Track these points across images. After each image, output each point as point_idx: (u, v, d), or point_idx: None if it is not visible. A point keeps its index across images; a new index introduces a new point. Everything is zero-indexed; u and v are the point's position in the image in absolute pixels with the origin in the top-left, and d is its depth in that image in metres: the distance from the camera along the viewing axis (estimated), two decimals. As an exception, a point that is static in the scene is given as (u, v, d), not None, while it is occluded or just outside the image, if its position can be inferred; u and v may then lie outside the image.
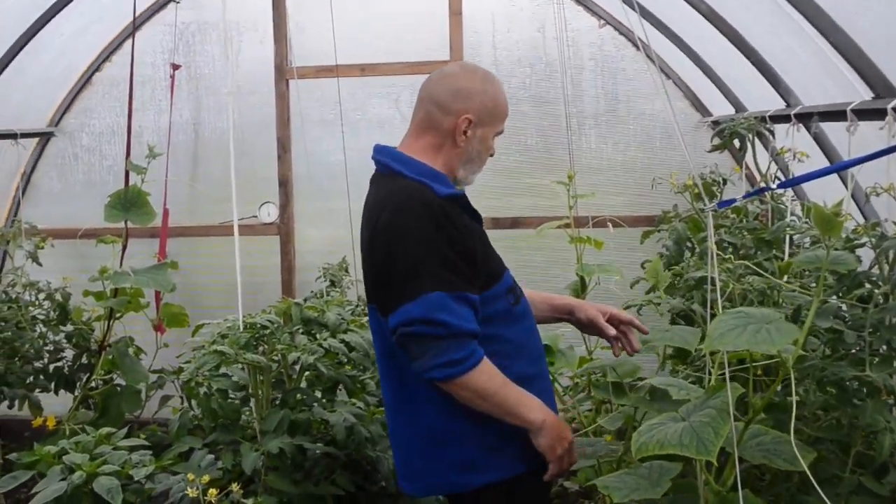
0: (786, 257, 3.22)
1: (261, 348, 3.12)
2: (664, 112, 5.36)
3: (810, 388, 2.26)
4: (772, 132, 3.44)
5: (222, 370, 3.01)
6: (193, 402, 3.25)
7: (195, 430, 3.15)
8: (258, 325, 3.15)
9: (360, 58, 5.36)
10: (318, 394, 3.30)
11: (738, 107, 4.41)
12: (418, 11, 5.45)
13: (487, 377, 2.20)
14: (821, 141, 3.30)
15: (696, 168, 5.00)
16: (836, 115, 2.65)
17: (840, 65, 2.60)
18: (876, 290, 2.20)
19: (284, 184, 5.49)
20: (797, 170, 3.54)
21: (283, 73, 5.40)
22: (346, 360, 3.30)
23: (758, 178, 4.79)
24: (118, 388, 4.82)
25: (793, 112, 3.13)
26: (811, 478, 1.84)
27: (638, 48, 5.31)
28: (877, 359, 2.17)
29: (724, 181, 4.78)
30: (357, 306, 4.67)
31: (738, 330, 1.83)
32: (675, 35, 4.46)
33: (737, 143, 3.52)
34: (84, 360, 4.89)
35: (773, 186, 1.91)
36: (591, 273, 3.94)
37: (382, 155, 2.44)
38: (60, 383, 4.89)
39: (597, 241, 4.48)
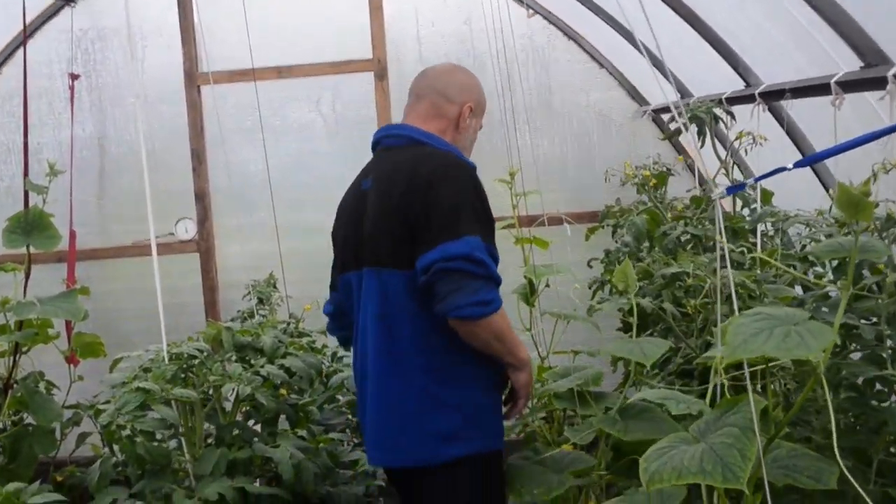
0: (759, 248, 3.00)
1: (190, 381, 2.77)
2: (600, 103, 5.14)
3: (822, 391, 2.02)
4: (732, 115, 3.22)
5: (147, 409, 2.64)
6: (116, 448, 2.87)
7: (119, 478, 2.77)
8: (185, 355, 2.79)
9: (278, 60, 5.02)
10: (258, 427, 2.96)
11: (684, 93, 4.20)
12: (337, 10, 5.13)
13: (503, 320, 2.35)
14: (786, 121, 3.09)
15: (637, 159, 4.80)
16: (813, 90, 2.43)
17: (819, 35, 2.39)
18: (887, 279, 1.97)
19: (202, 198, 5.12)
20: (757, 155, 3.34)
21: (193, 78, 5.02)
22: (283, 386, 2.96)
23: (706, 167, 4.60)
24: (29, 429, 4.38)
25: (757, 91, 2.91)
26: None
27: (569, 37, 5.08)
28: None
29: (669, 171, 4.59)
30: (292, 324, 4.35)
31: (764, 335, 1.57)
32: (610, 17, 4.22)
33: (694, 128, 3.29)
34: (-9, 399, 4.44)
35: (790, 167, 1.61)
36: (540, 275, 3.65)
37: (400, 130, 2.61)
38: (-36, 427, 4.44)
39: (541, 240, 4.23)
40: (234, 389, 2.67)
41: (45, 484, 4.01)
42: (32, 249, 4.18)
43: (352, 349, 2.65)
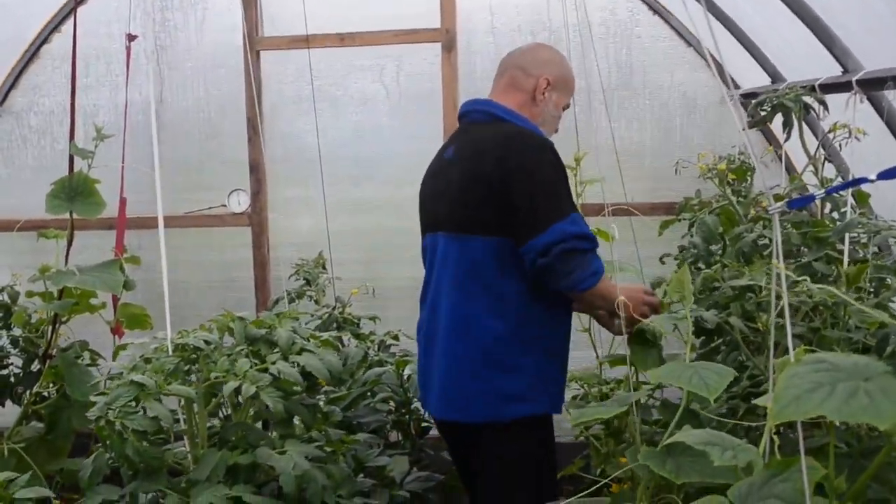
0: (845, 260, 2.60)
1: (194, 375, 2.52)
2: (685, 84, 4.71)
3: None
4: (824, 104, 2.80)
5: (143, 405, 2.40)
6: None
7: (113, 476, 2.54)
8: (191, 347, 2.55)
9: (340, 26, 4.74)
10: (270, 427, 2.70)
11: (776, 77, 3.78)
12: (406, -24, 4.82)
13: (606, 281, 2.52)
14: (887, 113, 2.67)
15: (723, 148, 4.38)
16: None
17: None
18: None
19: (256, 169, 4.88)
20: (852, 151, 2.92)
21: (252, 43, 4.77)
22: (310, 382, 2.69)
23: (798, 160, 4.16)
24: (69, 400, 4.24)
25: (854, 78, 2.50)
26: None
27: (654, 11, 4.66)
28: None
29: (749, 165, 4.16)
30: (331, 313, 4.09)
31: (823, 391, 1.22)
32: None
33: (780, 117, 2.89)
34: (35, 367, 4.31)
35: (872, 178, 1.25)
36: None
37: (484, 105, 2.71)
38: (5, 394, 4.33)
39: (604, 232, 3.86)
40: (239, 387, 2.39)
41: (79, 458, 3.87)
42: (75, 216, 4.04)
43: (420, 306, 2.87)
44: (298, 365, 2.58)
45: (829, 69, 2.96)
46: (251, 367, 2.50)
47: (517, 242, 2.52)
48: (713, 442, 1.70)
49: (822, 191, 1.28)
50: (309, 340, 2.77)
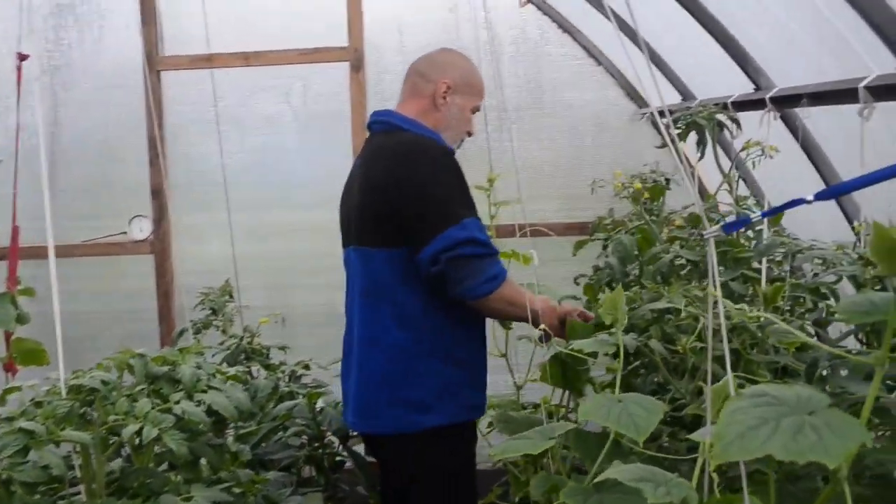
0: (763, 279, 2.57)
1: (91, 418, 2.35)
2: (595, 103, 4.70)
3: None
4: (737, 122, 2.78)
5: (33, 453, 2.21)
6: None
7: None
8: (87, 388, 2.37)
9: (244, 45, 4.59)
10: (174, 472, 2.53)
11: (687, 95, 3.77)
12: (313, -8, 4.70)
13: (511, 287, 2.49)
14: (801, 132, 2.66)
15: (635, 166, 4.36)
16: (836, 96, 2.00)
17: (854, 38, 1.97)
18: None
19: (158, 194, 4.68)
20: (766, 168, 2.90)
21: (152, 63, 4.59)
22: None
23: (710, 179, 4.16)
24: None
25: (767, 96, 2.48)
26: None
27: (564, 30, 4.64)
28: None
29: (668, 181, 4.16)
30: (238, 343, 3.93)
31: (768, 428, 1.14)
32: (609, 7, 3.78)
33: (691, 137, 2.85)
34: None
35: (810, 199, 1.18)
36: None
37: (384, 116, 2.69)
38: None
39: (524, 255, 3.81)
40: (140, 430, 2.23)
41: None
42: (-39, 247, 3.80)
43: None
44: (204, 403, 2.42)
45: (742, 87, 2.95)
46: (153, 408, 2.34)
47: (412, 253, 2.49)
48: (645, 478, 1.61)
49: (758, 213, 1.21)
50: (215, 376, 2.61)
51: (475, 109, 2.77)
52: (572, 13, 4.54)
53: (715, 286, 1.30)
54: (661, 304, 2.32)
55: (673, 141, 2.98)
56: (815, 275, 2.79)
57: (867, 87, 1.78)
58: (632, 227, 3.22)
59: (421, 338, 2.56)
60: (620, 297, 2.33)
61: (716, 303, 1.97)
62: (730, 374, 1.26)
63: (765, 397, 1.21)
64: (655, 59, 3.78)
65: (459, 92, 2.69)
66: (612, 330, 2.36)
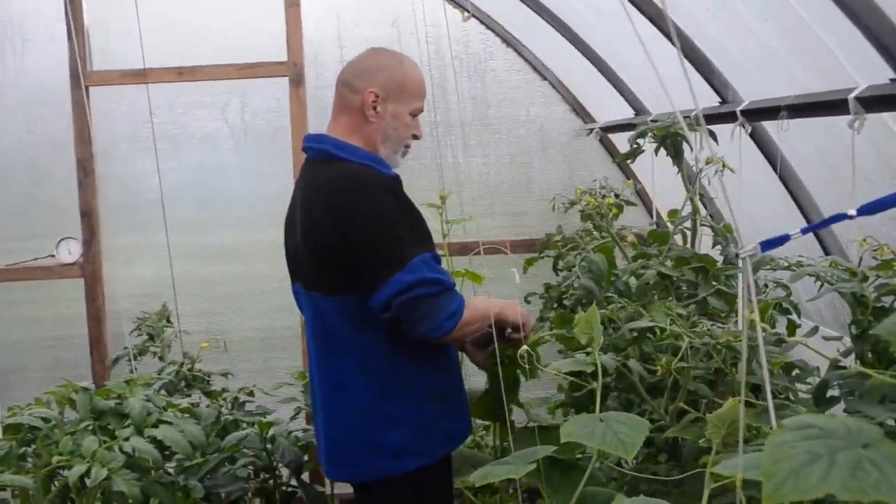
0: (740, 297, 2.51)
1: (31, 460, 2.17)
2: (540, 118, 4.64)
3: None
4: (712, 135, 2.72)
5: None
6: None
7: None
8: (26, 426, 2.19)
9: (179, 60, 4.41)
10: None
11: (640, 110, 3.72)
12: (249, 6, 4.53)
13: (469, 312, 2.34)
14: (764, 145, 2.62)
15: (581, 182, 4.32)
16: (821, 108, 1.95)
17: (841, 51, 1.92)
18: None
19: (88, 214, 4.47)
20: (722, 182, 2.86)
21: (80, 78, 4.38)
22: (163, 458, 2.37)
23: (658, 195, 4.14)
24: None
25: (739, 108, 2.43)
26: None
27: (508, 44, 4.57)
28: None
29: (618, 196, 4.12)
30: (186, 365, 3.76)
31: (821, 465, 1.04)
32: (555, 18, 3.72)
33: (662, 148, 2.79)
34: None
35: (852, 213, 1.11)
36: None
37: (317, 142, 2.46)
38: None
39: (475, 274, 3.72)
40: (88, 471, 2.06)
41: None
42: None
43: None
44: (155, 439, 2.26)
45: (696, 102, 2.88)
46: (100, 446, 2.17)
47: (362, 298, 2.32)
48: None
49: (797, 231, 1.13)
50: (166, 409, 2.45)
51: (416, 112, 2.45)
52: (516, 27, 4.48)
53: (752, 308, 1.21)
54: (645, 323, 2.24)
55: (640, 149, 2.94)
56: (766, 287, 2.76)
57: (858, 98, 1.73)
58: (595, 246, 3.14)
59: (385, 380, 2.40)
60: (595, 316, 2.25)
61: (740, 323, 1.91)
62: (770, 403, 1.17)
63: (811, 429, 1.12)
64: (606, 73, 3.74)
65: (392, 99, 2.39)
66: (588, 349, 2.30)
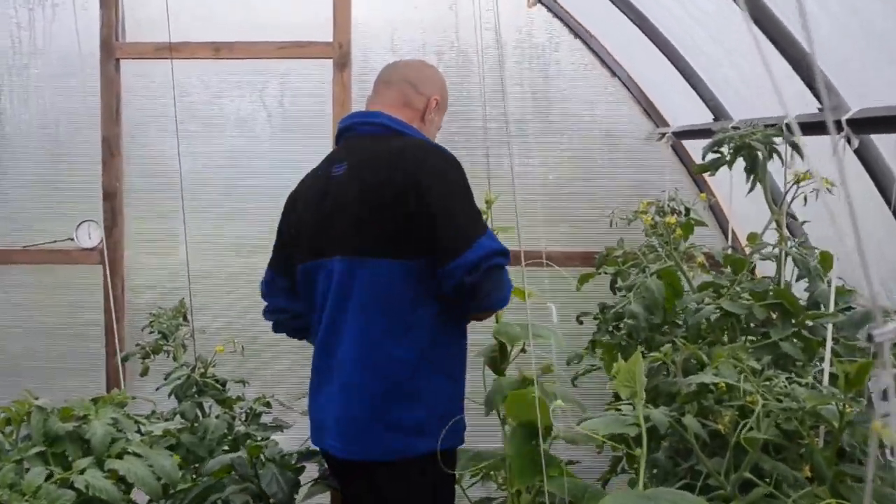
0: (828, 349, 2.07)
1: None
2: (608, 119, 4.20)
3: None
4: (797, 147, 2.27)
5: None
6: None
7: None
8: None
9: (215, 34, 4.07)
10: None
11: (720, 115, 3.27)
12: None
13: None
14: (869, 162, 2.17)
15: (649, 192, 3.88)
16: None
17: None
18: None
19: (111, 197, 4.16)
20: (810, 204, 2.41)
21: (111, 50, 4.07)
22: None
23: (734, 211, 3.67)
24: None
25: (845, 117, 1.97)
26: None
27: (576, 35, 4.14)
28: None
29: (688, 211, 3.67)
30: (199, 370, 3.42)
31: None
32: (633, 9, 3.29)
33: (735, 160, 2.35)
34: None
35: None
36: (514, 339, 2.65)
37: (373, 117, 2.52)
38: None
39: (519, 290, 3.25)
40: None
41: None
42: None
43: (314, 340, 2.59)
44: (115, 474, 1.90)
45: (787, 109, 2.45)
46: (48, 480, 1.81)
47: (439, 262, 2.30)
48: None
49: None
50: (140, 433, 2.09)
51: (440, 128, 2.71)
52: (587, 16, 4.04)
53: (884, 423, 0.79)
54: (708, 379, 1.81)
55: (715, 165, 2.50)
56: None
57: None
58: (656, 267, 2.70)
59: (420, 356, 2.40)
60: (638, 365, 1.83)
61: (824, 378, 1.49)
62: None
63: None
64: (685, 70, 3.29)
65: (440, 110, 2.64)
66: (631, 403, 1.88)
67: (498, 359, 2.72)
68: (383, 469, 2.43)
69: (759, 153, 2.26)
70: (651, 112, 4.13)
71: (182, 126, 4.17)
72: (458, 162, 2.42)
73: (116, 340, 4.12)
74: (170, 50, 3.58)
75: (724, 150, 2.37)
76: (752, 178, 2.32)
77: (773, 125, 2.38)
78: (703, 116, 3.52)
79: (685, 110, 3.87)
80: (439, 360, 2.43)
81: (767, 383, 1.87)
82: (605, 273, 3.50)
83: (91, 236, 4.20)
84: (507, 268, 2.37)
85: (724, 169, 2.52)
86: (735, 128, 2.44)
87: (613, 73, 4.13)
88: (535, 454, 2.07)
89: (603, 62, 4.13)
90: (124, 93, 4.16)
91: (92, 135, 4.15)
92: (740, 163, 2.44)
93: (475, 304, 2.35)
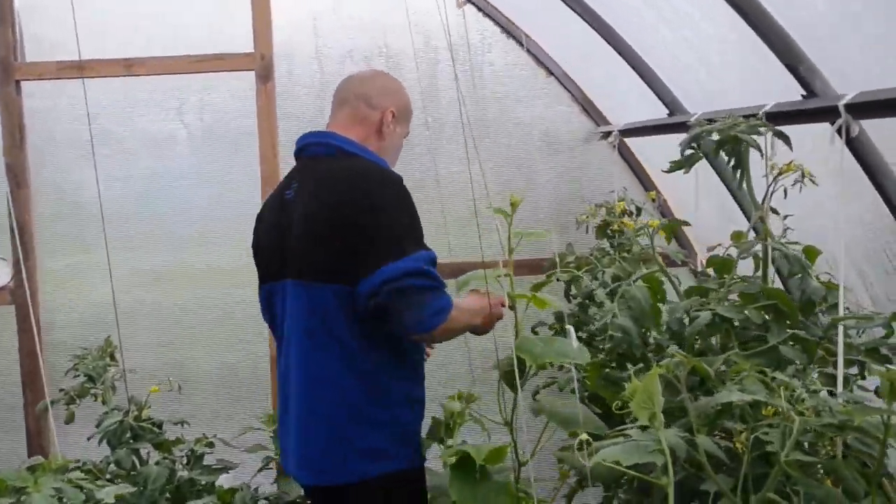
0: (840, 340, 1.94)
1: None
2: (546, 120, 4.05)
3: None
4: (784, 137, 2.13)
5: None
6: None
7: None
8: None
9: (127, 51, 3.78)
10: None
11: (676, 109, 3.14)
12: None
13: (457, 316, 2.33)
14: (860, 152, 2.04)
15: (593, 194, 3.76)
16: None
17: None
18: None
19: (21, 231, 3.81)
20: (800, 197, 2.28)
21: (10, 71, 3.74)
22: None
23: (680, 205, 3.55)
24: None
25: (842, 102, 1.84)
26: None
27: (509, 34, 3.98)
28: None
29: (640, 211, 3.54)
30: (122, 420, 3.14)
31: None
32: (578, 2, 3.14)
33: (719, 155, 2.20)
34: None
35: None
36: (536, 357, 2.39)
37: (326, 138, 2.52)
38: None
39: (539, 299, 2.97)
40: None
41: None
42: None
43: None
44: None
45: (756, 98, 2.33)
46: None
47: (354, 285, 2.31)
48: None
49: None
50: (86, 501, 1.83)
51: (407, 134, 2.67)
52: (519, 15, 3.89)
53: None
54: (737, 397, 1.64)
55: (690, 161, 2.35)
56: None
57: None
58: (641, 273, 2.53)
59: (371, 381, 2.38)
60: (655, 384, 1.66)
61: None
62: None
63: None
64: (638, 67, 3.16)
65: (400, 120, 2.58)
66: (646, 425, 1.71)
67: (515, 374, 2.49)
68: (349, 491, 2.42)
69: (745, 146, 2.11)
70: (591, 111, 3.99)
71: (95, 150, 3.88)
72: (396, 182, 2.39)
73: (37, 386, 3.78)
74: (84, 68, 3.28)
75: (706, 143, 2.21)
76: (739, 172, 2.17)
77: (752, 116, 2.24)
78: (652, 113, 3.39)
79: (629, 107, 3.75)
80: (391, 385, 2.41)
81: (794, 394, 1.72)
82: (559, 280, 3.33)
83: (1, 274, 3.86)
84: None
85: (664, 166, 2.40)
86: (710, 120, 2.29)
87: (550, 72, 3.99)
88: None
89: (538, 61, 3.99)
90: (27, 118, 3.83)
91: (-4, 164, 3.82)
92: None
93: (395, 326, 2.33)
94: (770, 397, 1.64)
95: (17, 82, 3.77)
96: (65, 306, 3.99)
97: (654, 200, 3.70)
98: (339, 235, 2.34)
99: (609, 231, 3.44)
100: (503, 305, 2.47)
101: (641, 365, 2.33)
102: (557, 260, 3.46)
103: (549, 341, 2.30)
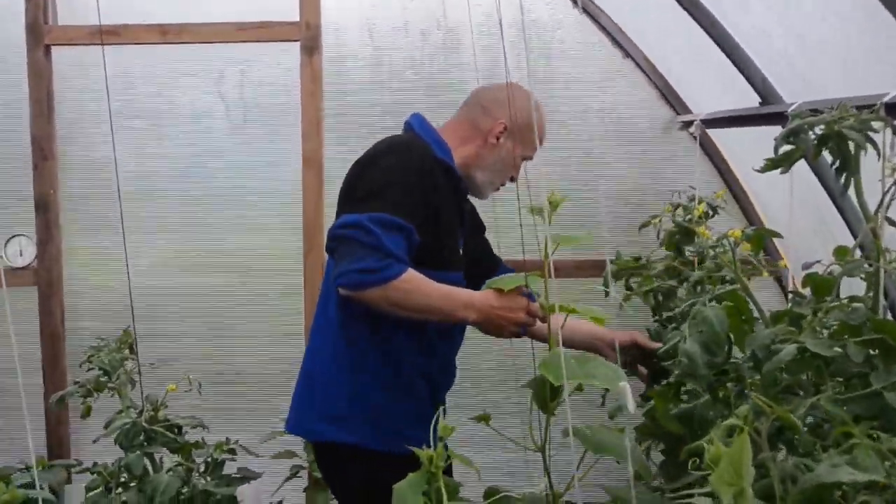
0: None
1: None
2: (620, 106, 3.65)
3: None
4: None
5: None
6: None
7: None
8: None
9: (162, 16, 3.49)
10: None
11: (768, 98, 2.72)
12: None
13: (399, 290, 2.19)
14: None
15: (667, 189, 3.36)
16: None
17: None
18: None
19: (45, 208, 3.57)
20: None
21: (40, 35, 3.48)
22: None
23: (763, 205, 3.12)
24: None
25: None
26: None
27: (582, 9, 3.58)
28: None
29: (715, 211, 3.13)
30: (135, 421, 2.87)
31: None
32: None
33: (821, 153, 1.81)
34: None
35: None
36: (558, 377, 2.01)
37: (410, 117, 2.52)
38: None
39: (596, 314, 2.57)
40: None
41: None
42: None
43: None
44: None
45: (861, 89, 1.92)
46: None
47: None
48: None
49: None
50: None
51: (526, 158, 2.54)
52: (593, -13, 3.49)
53: None
54: (844, 476, 1.25)
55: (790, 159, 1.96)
56: None
57: None
58: (719, 291, 2.13)
59: (352, 351, 2.38)
60: (746, 452, 1.27)
61: None
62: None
63: None
64: (728, 48, 2.75)
65: (514, 137, 2.47)
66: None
67: (546, 395, 2.13)
68: (317, 450, 2.51)
69: (852, 144, 1.71)
70: (670, 97, 3.58)
71: (126, 123, 3.61)
72: (401, 153, 2.33)
73: (59, 373, 3.53)
74: (119, 33, 2.99)
75: (808, 137, 1.81)
76: (843, 176, 1.77)
77: (867, 107, 1.83)
78: (737, 102, 2.98)
79: (711, 95, 3.34)
80: (355, 356, 2.38)
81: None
82: (638, 293, 2.93)
83: (22, 253, 3.62)
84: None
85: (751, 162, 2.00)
86: (814, 111, 1.89)
87: (627, 54, 3.58)
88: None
89: (615, 41, 3.58)
90: (57, 86, 3.57)
91: (21, 135, 3.56)
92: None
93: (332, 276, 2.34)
94: (891, 476, 1.25)
95: (48, 47, 3.51)
96: (90, 290, 3.72)
97: (721, 199, 3.28)
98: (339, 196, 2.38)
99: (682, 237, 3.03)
100: (531, 314, 2.25)
101: (707, 397, 1.96)
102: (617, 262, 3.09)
103: (583, 361, 1.89)
